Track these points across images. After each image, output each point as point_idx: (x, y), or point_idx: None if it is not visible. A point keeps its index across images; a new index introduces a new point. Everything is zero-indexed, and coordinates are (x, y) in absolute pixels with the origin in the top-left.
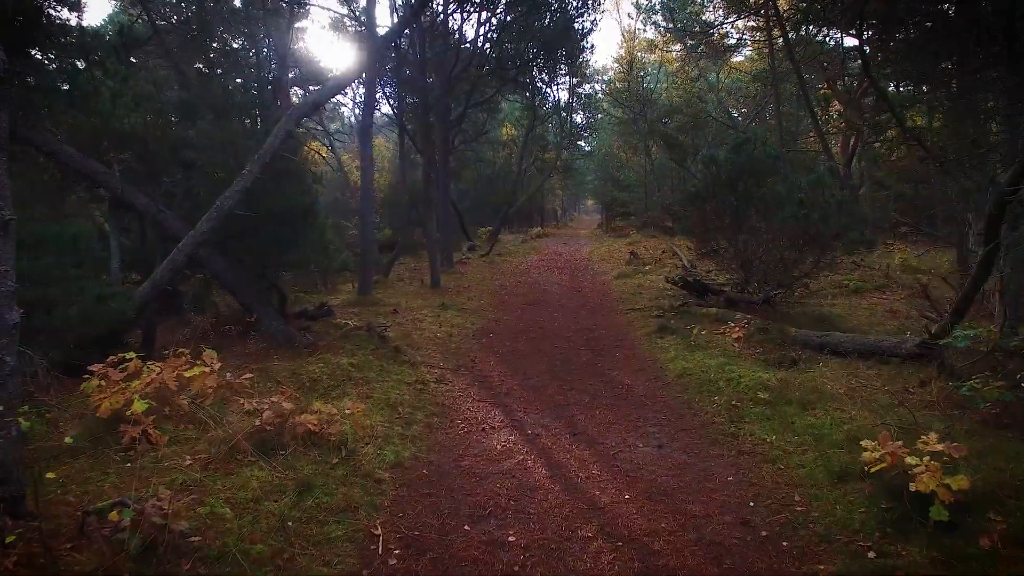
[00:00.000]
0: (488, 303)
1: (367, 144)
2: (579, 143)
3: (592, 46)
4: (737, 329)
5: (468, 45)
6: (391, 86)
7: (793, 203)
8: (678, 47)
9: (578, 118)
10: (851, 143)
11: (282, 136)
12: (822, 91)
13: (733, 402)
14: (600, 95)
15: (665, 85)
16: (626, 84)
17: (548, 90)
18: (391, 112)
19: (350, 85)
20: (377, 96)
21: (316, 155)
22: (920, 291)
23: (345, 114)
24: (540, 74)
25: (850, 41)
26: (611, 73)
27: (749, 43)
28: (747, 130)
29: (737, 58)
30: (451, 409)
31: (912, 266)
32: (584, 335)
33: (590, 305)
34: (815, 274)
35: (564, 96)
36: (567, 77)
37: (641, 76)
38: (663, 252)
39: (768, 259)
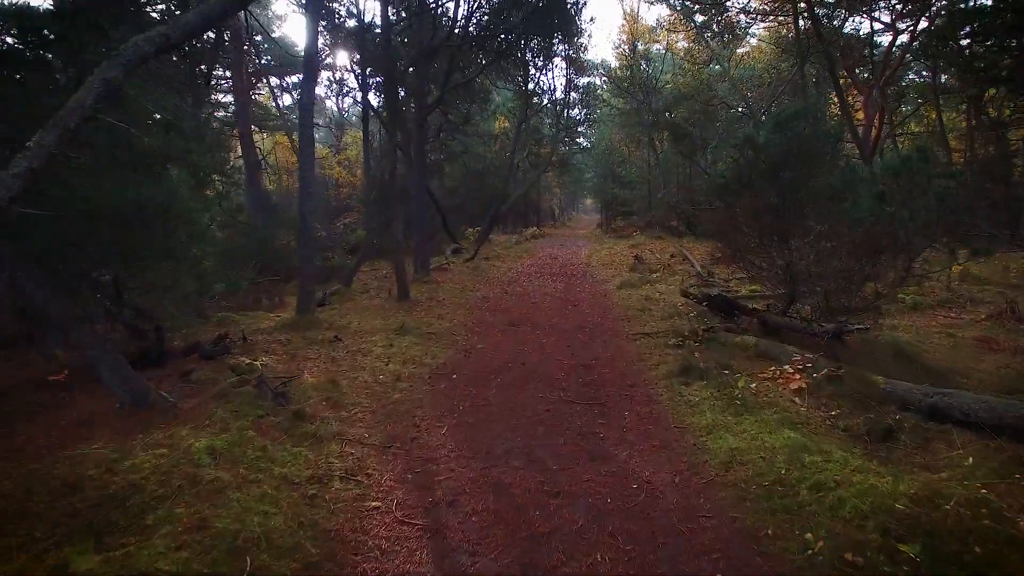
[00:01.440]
0: (462, 323)
1: (307, 122)
2: (577, 137)
3: (592, 19)
4: (796, 376)
5: (446, 18)
6: (360, 63)
7: (868, 196)
8: (683, 34)
9: (575, 111)
10: (872, 135)
11: (97, 89)
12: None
13: (847, 554)
14: (600, 87)
15: (671, 73)
16: (628, 71)
17: (543, 78)
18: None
19: (229, 15)
20: (344, 78)
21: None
22: (1007, 310)
23: (329, 106)
24: (532, 56)
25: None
26: (612, 61)
27: (769, 17)
28: (788, 107)
29: (751, 40)
30: (346, 547)
31: (974, 275)
32: (580, 376)
33: (589, 326)
34: (891, 292)
35: (561, 83)
36: (563, 63)
37: (644, 61)
38: (671, 256)
39: (826, 272)
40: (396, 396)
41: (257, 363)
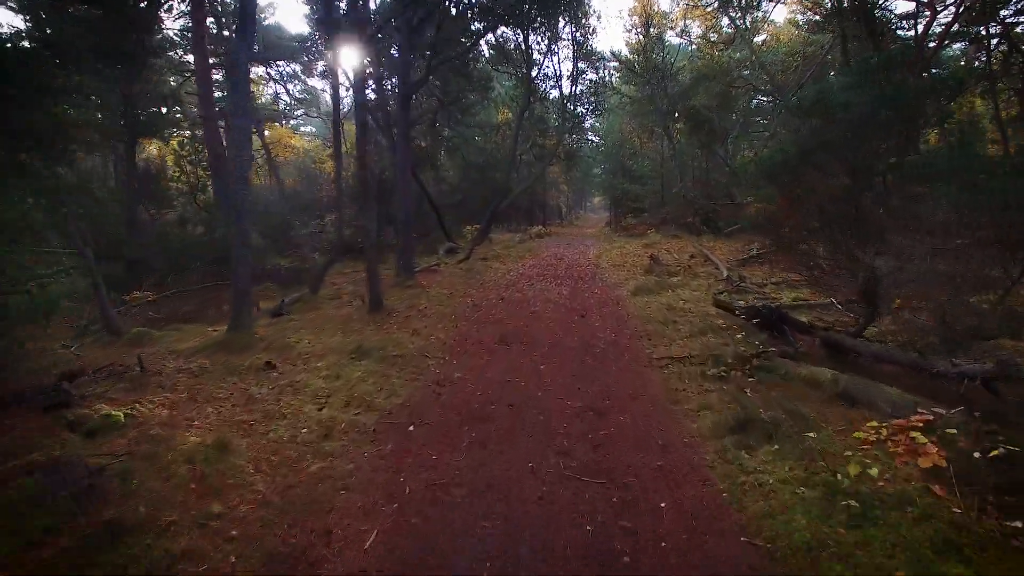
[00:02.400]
0: (441, 341)
1: (242, 91)
2: (584, 127)
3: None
4: (928, 446)
5: None
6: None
7: (1005, 169)
8: (698, 20)
9: (582, 99)
10: None
11: None
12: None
13: None
14: (611, 73)
15: (687, 59)
16: (641, 55)
17: (548, 64)
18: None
19: None
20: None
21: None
22: None
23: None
24: (537, 38)
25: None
26: (623, 48)
27: None
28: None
29: (776, 19)
30: None
31: None
32: (590, 429)
33: (600, 345)
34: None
35: (567, 70)
36: (570, 49)
37: (659, 44)
38: (691, 257)
39: (942, 279)
40: (314, 468)
41: (122, 413)
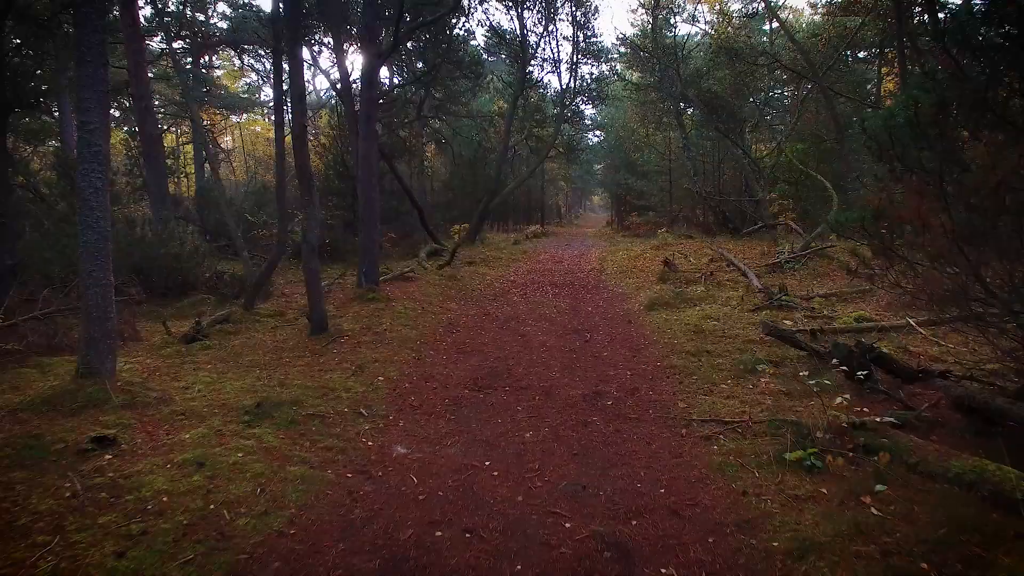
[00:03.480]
0: (389, 386)
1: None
2: (584, 117)
3: None
4: None
5: None
6: None
7: None
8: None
9: (581, 96)
10: None
11: None
12: None
13: None
14: (614, 58)
15: (696, 46)
16: (649, 35)
17: (547, 47)
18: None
19: None
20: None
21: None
22: None
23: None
24: (528, 6)
25: None
26: (628, 29)
27: None
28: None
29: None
30: None
31: None
32: None
33: (612, 393)
34: None
35: (566, 53)
36: (568, 26)
37: (667, 24)
38: (711, 261)
39: None
40: None
41: None
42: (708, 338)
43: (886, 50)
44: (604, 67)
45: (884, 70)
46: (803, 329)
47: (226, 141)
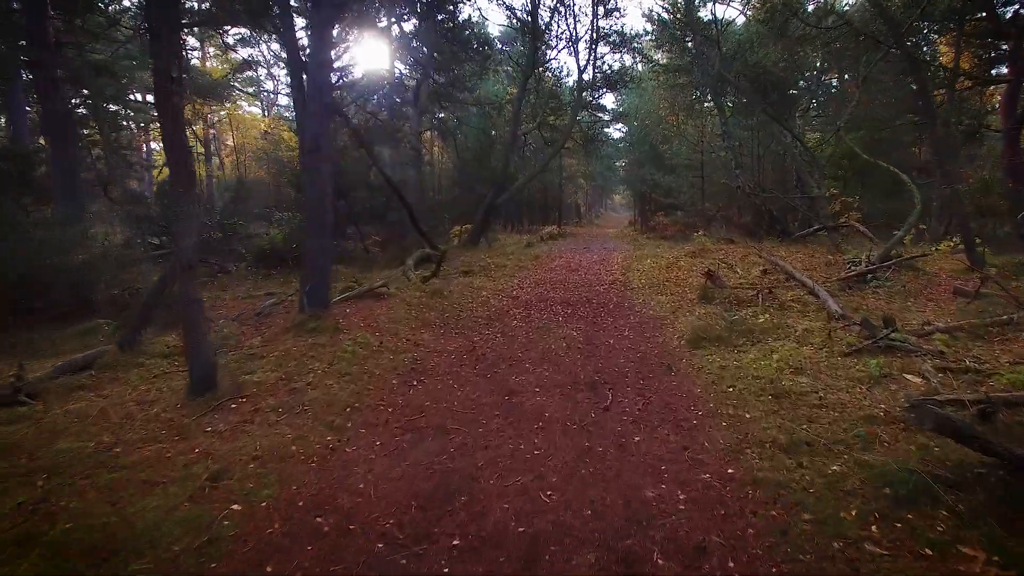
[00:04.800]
0: (250, 521)
1: None
2: (605, 104)
3: None
4: None
5: None
6: None
7: None
8: None
9: (606, 52)
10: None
11: None
12: None
13: None
14: (639, 38)
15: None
16: (679, 7)
17: (558, 20)
18: None
19: None
20: None
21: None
22: None
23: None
24: None
25: None
26: (657, 3)
27: None
28: None
29: None
30: None
31: None
32: None
33: (652, 551)
34: None
35: (584, 28)
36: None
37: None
38: (763, 273)
39: None
40: None
41: None
42: (799, 411)
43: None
44: (626, 53)
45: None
46: (957, 399)
47: (211, 132)
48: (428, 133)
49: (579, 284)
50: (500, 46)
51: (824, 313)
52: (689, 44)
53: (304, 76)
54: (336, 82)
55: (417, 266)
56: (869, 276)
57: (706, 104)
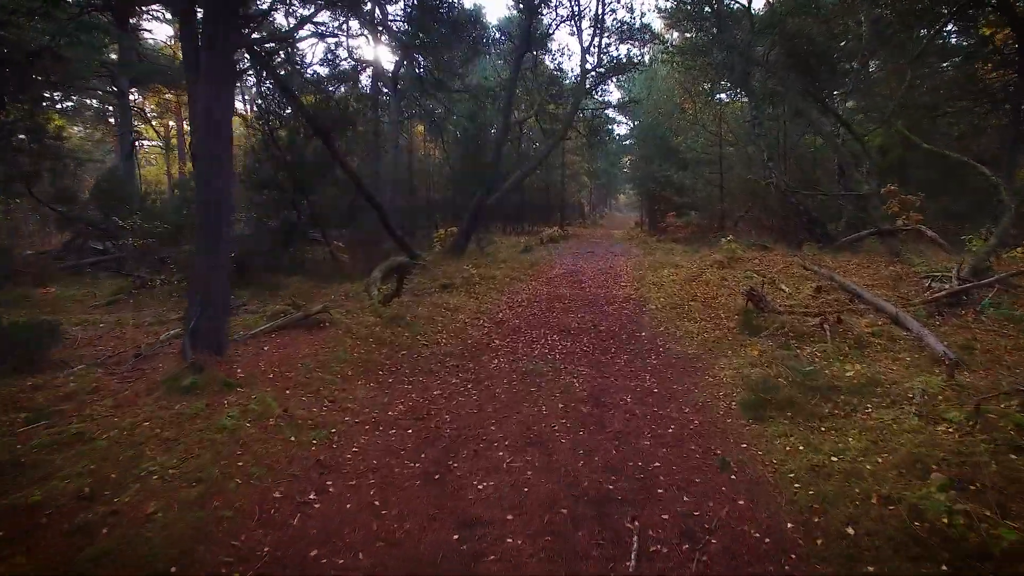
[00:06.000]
0: None
1: None
2: (610, 92)
3: None
4: None
5: None
6: None
7: None
8: None
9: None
10: None
11: None
12: None
13: None
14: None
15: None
16: None
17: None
18: None
19: None
20: None
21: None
22: None
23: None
24: None
25: None
26: None
27: None
28: None
29: None
30: None
31: None
32: None
33: None
34: None
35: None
36: None
37: None
38: (818, 290)
39: None
40: None
41: None
42: None
43: None
44: (636, 33)
45: None
46: None
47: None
48: (420, 127)
49: (582, 302)
50: (498, 35)
51: (925, 354)
52: (710, 12)
53: (196, 8)
54: (280, 52)
55: (386, 279)
56: (964, 296)
57: (727, 91)
